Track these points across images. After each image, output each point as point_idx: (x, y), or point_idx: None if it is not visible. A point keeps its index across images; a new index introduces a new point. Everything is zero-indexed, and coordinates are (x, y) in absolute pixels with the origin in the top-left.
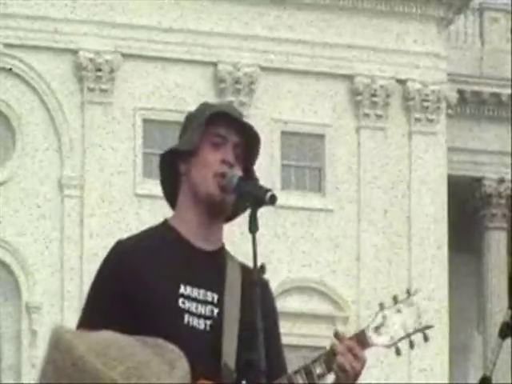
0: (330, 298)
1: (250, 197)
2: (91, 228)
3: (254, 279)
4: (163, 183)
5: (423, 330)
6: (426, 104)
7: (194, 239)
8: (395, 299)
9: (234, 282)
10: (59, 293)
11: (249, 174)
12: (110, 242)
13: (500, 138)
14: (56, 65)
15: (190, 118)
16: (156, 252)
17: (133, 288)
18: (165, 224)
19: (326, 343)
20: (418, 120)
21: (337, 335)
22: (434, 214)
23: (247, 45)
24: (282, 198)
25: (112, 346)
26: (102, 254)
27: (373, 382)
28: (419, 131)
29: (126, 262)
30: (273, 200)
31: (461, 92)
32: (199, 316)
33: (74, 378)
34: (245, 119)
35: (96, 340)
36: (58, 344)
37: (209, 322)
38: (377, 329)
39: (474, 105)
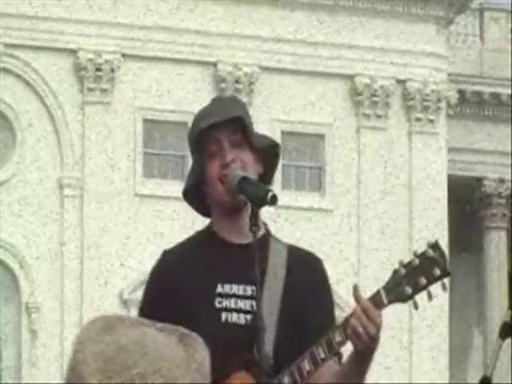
0: None
1: (251, 197)
2: (91, 228)
3: (256, 278)
4: (197, 209)
5: (440, 278)
6: (426, 104)
7: (229, 236)
8: (415, 254)
9: (276, 268)
10: (59, 293)
11: (258, 155)
12: (110, 242)
13: (500, 138)
14: (56, 65)
15: (189, 137)
16: (195, 257)
17: (172, 295)
18: (206, 228)
19: None
20: (418, 120)
21: (355, 292)
22: (434, 214)
23: (247, 45)
24: (282, 198)
25: (124, 350)
26: (102, 254)
27: (374, 381)
28: (419, 131)
29: (168, 274)
30: (274, 200)
31: (461, 92)
32: (239, 311)
33: None
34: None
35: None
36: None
37: (249, 317)
38: (392, 286)
39: (473, 105)
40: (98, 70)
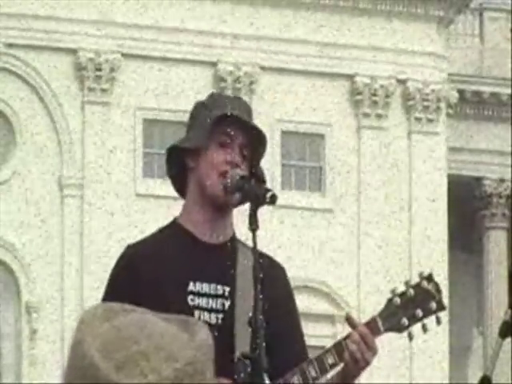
0: (330, 297)
1: (250, 196)
2: (91, 227)
3: (255, 277)
4: (172, 178)
5: (435, 312)
6: (426, 104)
7: (201, 234)
8: (407, 284)
9: (245, 271)
10: (59, 293)
11: (254, 173)
12: (110, 242)
13: (500, 138)
14: (56, 65)
15: (199, 108)
16: (164, 253)
17: (142, 292)
18: (173, 223)
19: (326, 343)
20: (418, 120)
21: (349, 320)
22: (434, 213)
23: (247, 45)
24: (282, 198)
25: (122, 331)
26: (102, 254)
27: (374, 381)
28: (419, 131)
29: (135, 267)
30: (273, 199)
31: (461, 92)
32: (210, 310)
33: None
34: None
35: (111, 332)
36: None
37: (220, 316)
38: (388, 315)
39: (473, 105)
40: (98, 69)
